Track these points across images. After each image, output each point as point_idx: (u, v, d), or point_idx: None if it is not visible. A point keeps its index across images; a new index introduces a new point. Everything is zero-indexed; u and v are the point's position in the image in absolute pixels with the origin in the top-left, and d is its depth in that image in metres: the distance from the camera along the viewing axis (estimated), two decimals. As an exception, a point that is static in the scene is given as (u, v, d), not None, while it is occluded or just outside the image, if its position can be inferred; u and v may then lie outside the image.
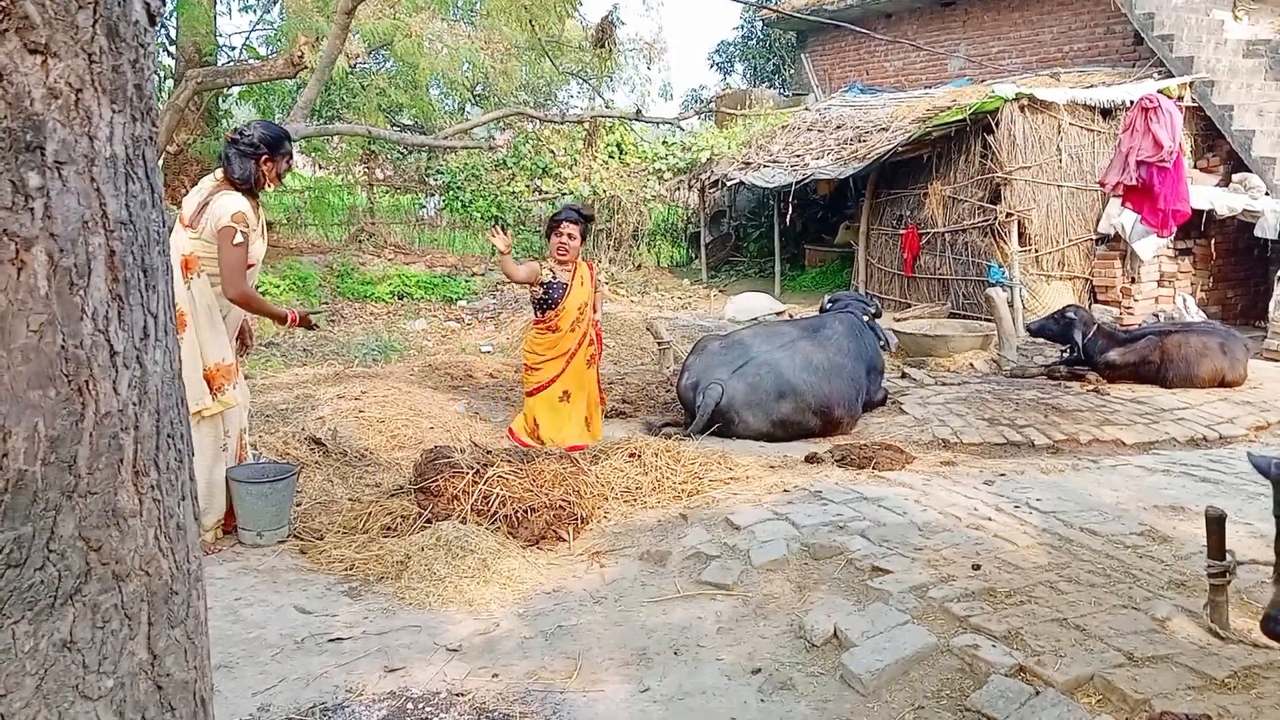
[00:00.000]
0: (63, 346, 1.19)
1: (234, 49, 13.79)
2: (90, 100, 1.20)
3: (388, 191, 17.75)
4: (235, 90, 12.52)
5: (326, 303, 5.74)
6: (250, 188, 4.62)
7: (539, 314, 6.31)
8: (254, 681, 3.30)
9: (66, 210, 1.18)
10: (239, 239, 4.45)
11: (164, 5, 1.25)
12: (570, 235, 6.23)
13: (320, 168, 17.87)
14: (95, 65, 1.20)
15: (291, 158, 4.84)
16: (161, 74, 12.25)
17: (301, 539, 4.69)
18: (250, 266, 4.61)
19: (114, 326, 1.23)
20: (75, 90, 1.18)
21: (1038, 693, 2.92)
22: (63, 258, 1.18)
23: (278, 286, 11.93)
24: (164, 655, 1.31)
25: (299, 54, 8.96)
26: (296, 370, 8.16)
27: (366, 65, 15.04)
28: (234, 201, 4.52)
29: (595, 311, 6.43)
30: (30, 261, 1.16)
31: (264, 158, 4.61)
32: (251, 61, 12.15)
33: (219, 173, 4.63)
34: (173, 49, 12.50)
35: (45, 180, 1.16)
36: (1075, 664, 3.07)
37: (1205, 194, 10.25)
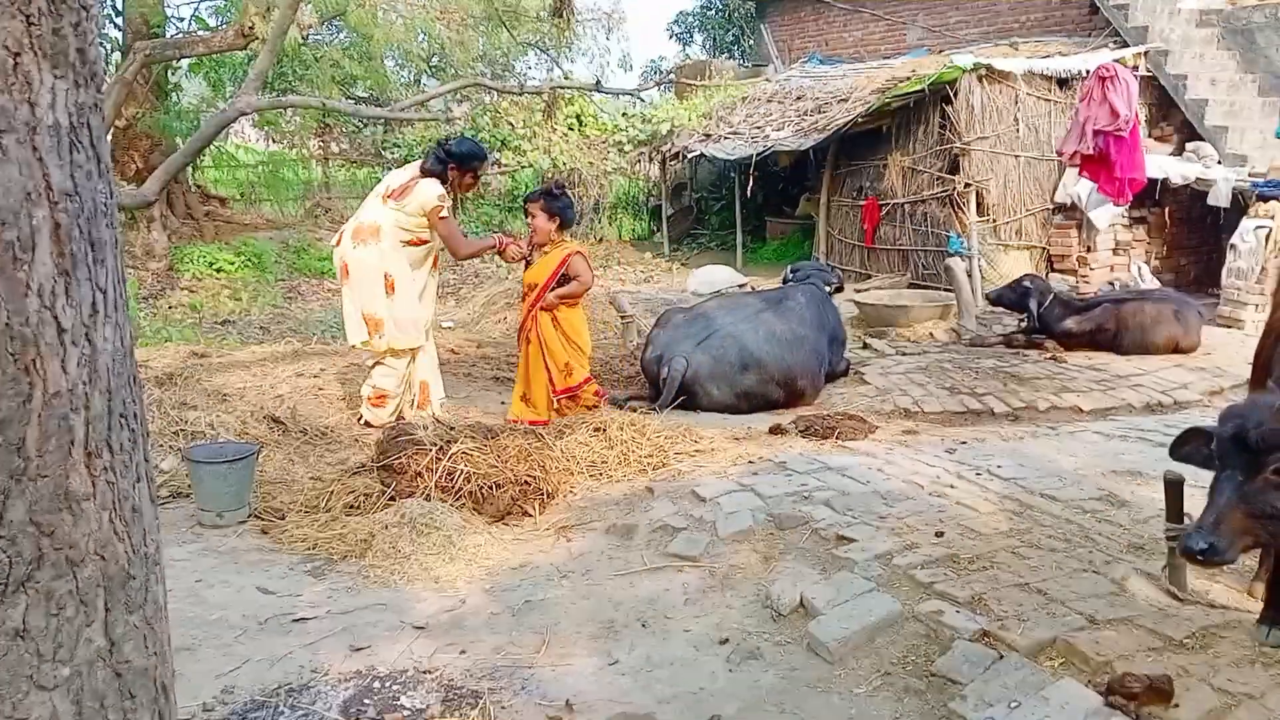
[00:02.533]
0: (7, 324, 1.14)
1: (183, 20, 13.47)
2: (30, 65, 1.14)
3: (343, 165, 17.47)
4: (185, 63, 12.18)
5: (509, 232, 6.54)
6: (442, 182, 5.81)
7: None
8: (217, 664, 3.26)
9: (7, 181, 1.13)
10: (445, 212, 5.76)
11: (106, -34, 1.19)
12: (532, 215, 6.26)
13: (274, 142, 17.55)
14: (34, 28, 1.13)
15: (477, 176, 5.96)
16: (109, 46, 11.90)
17: (263, 519, 4.63)
18: (424, 243, 5.89)
19: (61, 303, 1.18)
20: (13, 54, 1.12)
21: (1001, 657, 2.96)
22: (4, 231, 1.13)
23: (232, 263, 11.74)
24: (122, 642, 1.27)
25: (249, 25, 8.76)
26: (254, 348, 8.03)
27: (320, 36, 14.73)
28: (436, 186, 5.77)
29: (547, 293, 6.25)
30: (-30, 236, 1.11)
31: (451, 166, 5.80)
32: (201, 33, 11.85)
33: (420, 163, 5.92)
34: (119, 21, 12.16)
35: (-16, 150, 1.11)
36: (1038, 628, 3.11)
37: (1159, 163, 10.38)
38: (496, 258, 6.45)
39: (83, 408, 1.21)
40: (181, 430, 5.50)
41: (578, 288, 6.34)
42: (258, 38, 8.66)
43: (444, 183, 5.84)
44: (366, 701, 3.03)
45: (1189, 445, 2.91)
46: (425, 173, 5.83)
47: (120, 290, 1.29)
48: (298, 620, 3.59)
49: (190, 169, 12.86)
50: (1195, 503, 3.45)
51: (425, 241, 5.91)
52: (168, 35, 12.22)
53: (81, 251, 1.20)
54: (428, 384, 6.16)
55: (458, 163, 5.82)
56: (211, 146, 11.96)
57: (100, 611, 1.24)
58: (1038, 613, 3.21)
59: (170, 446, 5.24)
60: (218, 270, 11.62)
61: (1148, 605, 3.26)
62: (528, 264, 6.40)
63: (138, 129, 11.37)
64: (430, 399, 6.17)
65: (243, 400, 6.02)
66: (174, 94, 12.94)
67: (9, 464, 1.15)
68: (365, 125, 16.67)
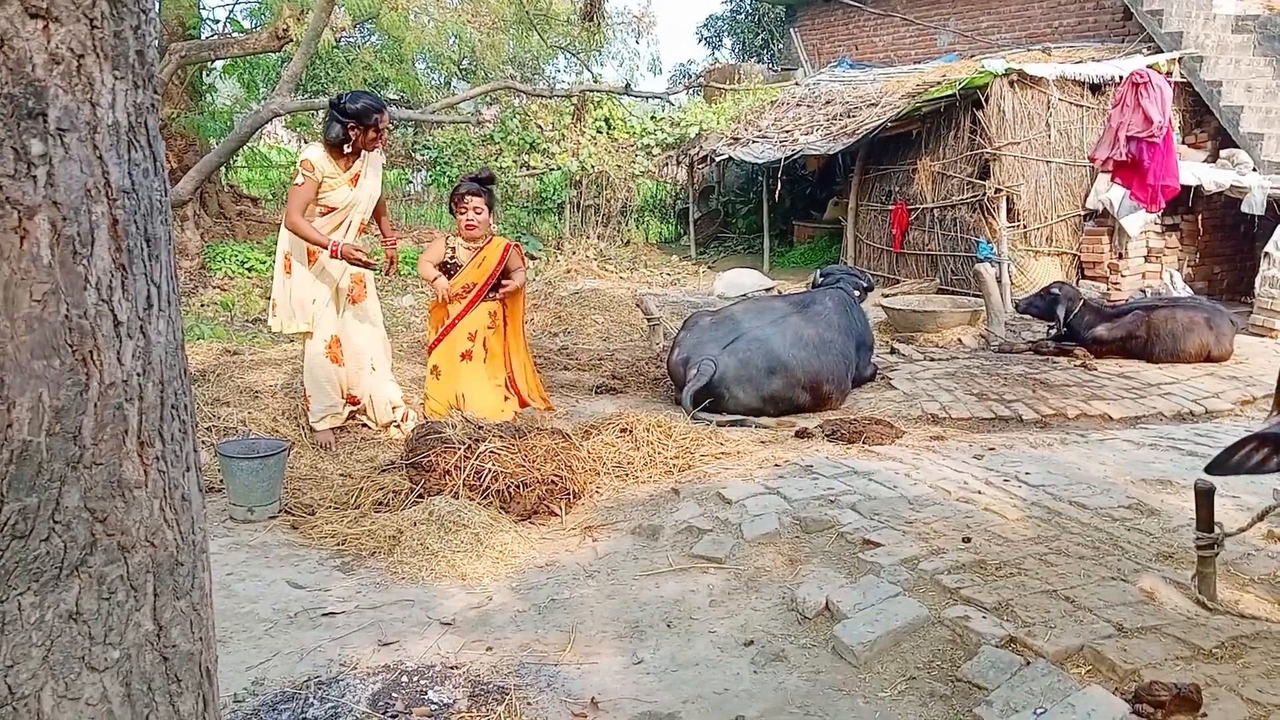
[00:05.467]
0: (66, 316, 1.18)
1: (218, 22, 13.62)
2: (92, 66, 1.18)
3: (374, 167, 17.58)
4: (219, 64, 12.35)
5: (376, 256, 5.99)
6: (341, 147, 5.46)
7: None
8: (248, 656, 3.31)
9: (69, 178, 1.17)
10: (300, 179, 5.43)
11: (163, -29, 1.22)
12: (475, 209, 5.83)
13: (306, 142, 17.71)
14: (97, 30, 1.17)
15: (379, 131, 5.53)
16: (145, 47, 12.05)
17: (293, 514, 4.69)
18: (330, 210, 5.51)
19: (118, 296, 1.22)
20: (77, 56, 1.16)
21: (1028, 663, 2.95)
22: (66, 226, 1.17)
23: (263, 263, 11.87)
24: (169, 626, 1.31)
25: (284, 27, 8.88)
26: (285, 346, 8.12)
27: (352, 39, 14.88)
28: (309, 150, 5.58)
29: (491, 294, 5.94)
30: (33, 230, 1.14)
31: (350, 125, 5.41)
32: (236, 35, 12.01)
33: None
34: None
35: (48, 147, 1.15)
36: (1065, 635, 3.10)
37: (1193, 170, 10.28)
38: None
39: (137, 398, 1.25)
40: (214, 426, 5.58)
41: (517, 285, 6.01)
42: (292, 40, 8.77)
43: (346, 143, 5.44)
44: (394, 695, 3.07)
45: (1241, 453, 2.85)
46: (326, 141, 5.49)
47: (173, 285, 1.33)
48: (327, 614, 3.63)
49: (223, 169, 13.01)
50: (1225, 512, 3.43)
51: (331, 209, 5.52)
52: (203, 37, 12.38)
53: (138, 247, 1.24)
54: (309, 395, 5.67)
55: (355, 120, 5.38)
56: (245, 147, 12.10)
57: (149, 596, 1.28)
58: (1065, 620, 3.20)
59: (203, 442, 5.32)
60: (249, 269, 11.75)
61: (1176, 614, 3.24)
62: (447, 268, 5.98)
63: (172, 129, 11.52)
64: (311, 408, 5.66)
65: (274, 398, 6.10)
66: (208, 95, 13.11)
67: (66, 452, 1.19)
68: (396, 127, 16.80)
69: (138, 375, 1.25)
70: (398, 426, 5.83)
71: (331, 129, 5.43)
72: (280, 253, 5.60)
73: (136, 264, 1.24)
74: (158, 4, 12.21)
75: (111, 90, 1.20)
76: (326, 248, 5.42)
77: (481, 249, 5.96)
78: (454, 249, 5.98)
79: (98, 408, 1.21)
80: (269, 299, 5.81)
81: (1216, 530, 3.27)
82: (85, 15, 1.16)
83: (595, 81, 15.44)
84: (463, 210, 5.87)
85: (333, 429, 5.71)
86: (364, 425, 5.93)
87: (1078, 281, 10.73)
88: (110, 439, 1.23)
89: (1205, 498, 3.29)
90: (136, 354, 1.25)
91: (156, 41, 1.29)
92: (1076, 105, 11.19)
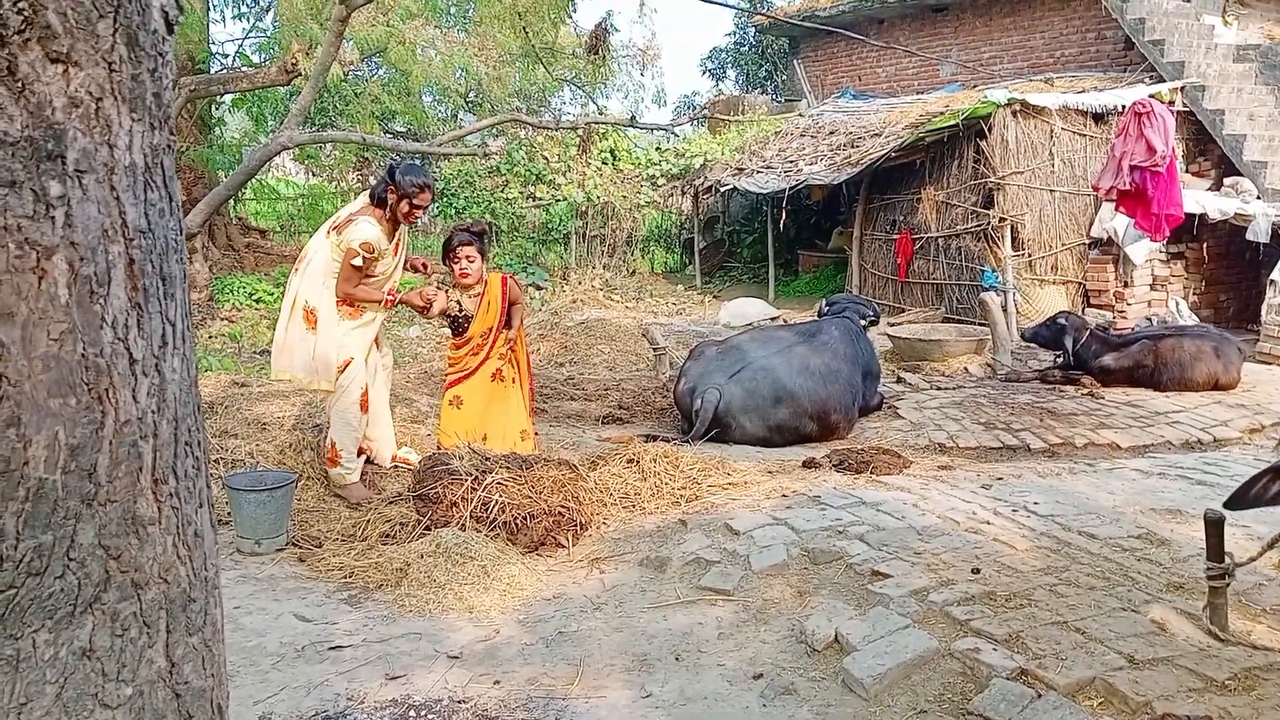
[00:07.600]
0: (83, 355, 1.19)
1: (227, 56, 13.77)
2: (110, 109, 1.20)
3: (381, 198, 17.69)
4: (228, 98, 12.48)
5: (444, 286, 5.98)
6: (388, 212, 5.40)
7: (452, 333, 6.14)
8: (255, 690, 3.30)
9: (87, 219, 1.18)
10: (358, 261, 5.29)
11: (180, 15, 1.25)
12: (469, 258, 5.87)
13: (313, 175, 17.84)
14: (115, 74, 1.20)
15: (412, 201, 5.39)
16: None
17: (300, 547, 4.68)
18: (371, 277, 5.43)
19: (133, 335, 1.23)
20: (96, 99, 1.18)
21: (1039, 695, 2.93)
22: (83, 266, 1.18)
23: (271, 294, 11.93)
24: (182, 663, 1.31)
25: (293, 61, 8.96)
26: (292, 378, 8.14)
27: (360, 72, 15.03)
28: (366, 231, 5.31)
29: (509, 328, 6.02)
30: (51, 270, 1.16)
31: (389, 188, 5.34)
32: (245, 69, 12.14)
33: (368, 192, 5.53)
34: (166, 56, 12.44)
35: (66, 189, 1.16)
36: (1076, 667, 3.08)
37: (1197, 198, 10.31)
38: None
39: (151, 435, 1.26)
40: (222, 458, 5.58)
41: (523, 310, 6.12)
42: (300, 74, 8.85)
43: (384, 206, 5.40)
44: (402, 730, 3.06)
45: (1259, 485, 2.85)
46: (372, 197, 5.44)
47: (187, 323, 1.34)
48: (334, 648, 3.62)
49: (232, 201, 13.10)
50: (1235, 541, 3.42)
51: (373, 277, 5.47)
52: (212, 71, 12.52)
53: (154, 286, 1.26)
54: (335, 443, 5.42)
55: (396, 189, 5.32)
56: (253, 179, 12.20)
57: (162, 633, 1.29)
58: (1076, 651, 3.18)
59: (211, 474, 5.30)
60: (257, 301, 11.82)
61: (1188, 645, 3.22)
62: (457, 321, 5.97)
63: (181, 162, 11.62)
64: (339, 458, 5.41)
65: (281, 430, 6.10)
66: (217, 128, 13.22)
67: (81, 489, 1.20)
68: (403, 160, 16.93)
69: (153, 413, 1.26)
70: (406, 461, 5.81)
71: (376, 189, 5.43)
72: (299, 305, 5.38)
73: (152, 302, 1.26)
74: (168, 40, 12.36)
75: (129, 132, 1.22)
76: (381, 302, 5.48)
77: (483, 294, 5.99)
78: (458, 302, 5.97)
79: (113, 445, 1.22)
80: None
81: (1227, 560, 3.26)
82: (104, 59, 1.18)
83: (600, 113, 15.54)
84: (455, 260, 5.93)
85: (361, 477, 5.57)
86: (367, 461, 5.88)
87: (1083, 310, 10.74)
88: (125, 476, 1.23)
89: (1215, 527, 3.27)
90: (152, 391, 1.26)
91: (172, 82, 1.31)
92: (1080, 135, 11.25)
